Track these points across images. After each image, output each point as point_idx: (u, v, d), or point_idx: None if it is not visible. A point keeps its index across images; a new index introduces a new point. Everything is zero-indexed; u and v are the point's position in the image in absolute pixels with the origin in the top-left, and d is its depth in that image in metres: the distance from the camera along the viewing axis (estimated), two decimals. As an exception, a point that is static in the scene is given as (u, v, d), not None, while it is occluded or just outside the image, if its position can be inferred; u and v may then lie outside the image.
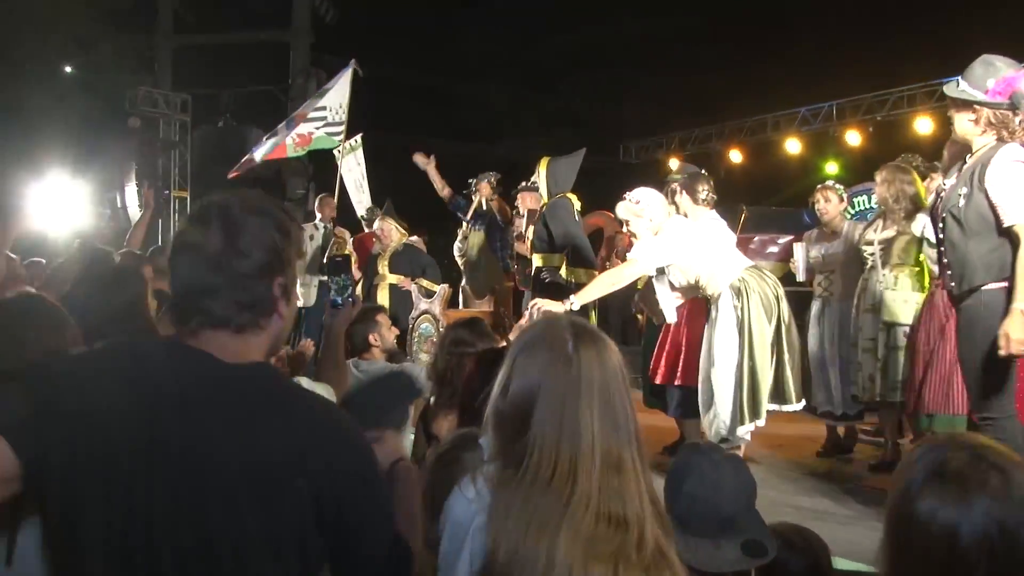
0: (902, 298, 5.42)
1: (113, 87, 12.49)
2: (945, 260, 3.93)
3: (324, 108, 9.46)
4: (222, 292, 1.58)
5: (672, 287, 5.36)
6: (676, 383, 5.62)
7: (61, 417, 1.47)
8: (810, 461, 6.14)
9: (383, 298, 8.35)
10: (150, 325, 3.25)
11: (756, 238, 11.95)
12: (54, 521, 1.49)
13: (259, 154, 9.48)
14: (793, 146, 13.07)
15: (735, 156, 13.89)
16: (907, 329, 5.38)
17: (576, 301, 4.87)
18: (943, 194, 3.92)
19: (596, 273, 6.45)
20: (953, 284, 3.89)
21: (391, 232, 8.49)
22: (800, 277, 6.23)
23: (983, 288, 3.70)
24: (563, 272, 6.38)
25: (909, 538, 1.57)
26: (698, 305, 5.53)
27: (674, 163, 14.71)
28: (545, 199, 6.54)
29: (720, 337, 4.96)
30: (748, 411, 4.90)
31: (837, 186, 6.15)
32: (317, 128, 9.36)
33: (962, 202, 3.74)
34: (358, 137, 10.75)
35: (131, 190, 11.88)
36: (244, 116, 16.05)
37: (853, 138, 12.32)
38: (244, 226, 1.60)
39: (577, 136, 17.99)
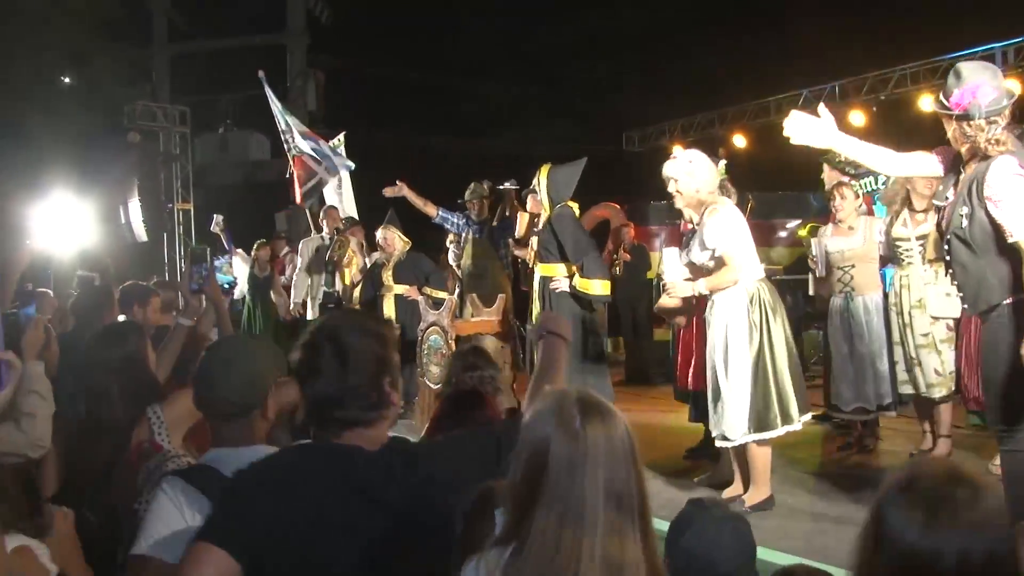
0: (943, 291, 5.43)
1: (111, 102, 12.45)
2: (957, 282, 3.88)
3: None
4: (346, 402, 2.01)
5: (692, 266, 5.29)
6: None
7: (264, 518, 1.90)
8: (826, 460, 6.11)
9: (389, 308, 8.33)
10: (151, 378, 3.24)
11: (763, 223, 11.94)
12: None
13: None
14: (796, 129, 12.95)
15: (739, 141, 13.73)
16: (951, 322, 5.52)
17: (703, 286, 4.89)
18: (944, 211, 3.86)
19: (608, 283, 6.36)
20: (967, 305, 3.84)
21: (394, 241, 8.47)
22: (820, 273, 6.21)
23: (1005, 303, 3.64)
24: (576, 283, 6.30)
25: (877, 551, 1.58)
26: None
27: (678, 150, 14.65)
28: (548, 208, 6.43)
29: (733, 338, 4.85)
30: (780, 416, 4.81)
31: (852, 183, 6.14)
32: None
33: (965, 222, 3.68)
34: (340, 136, 10.72)
35: (134, 205, 11.86)
36: (244, 121, 16.09)
37: (857, 118, 12.15)
38: (350, 347, 2.02)
39: (578, 127, 17.94)
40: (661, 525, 4.15)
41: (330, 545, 1.88)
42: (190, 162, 13.40)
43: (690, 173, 4.88)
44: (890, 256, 5.83)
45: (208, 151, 15.40)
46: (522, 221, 7.56)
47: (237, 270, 10.98)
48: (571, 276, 6.44)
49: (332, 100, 17.24)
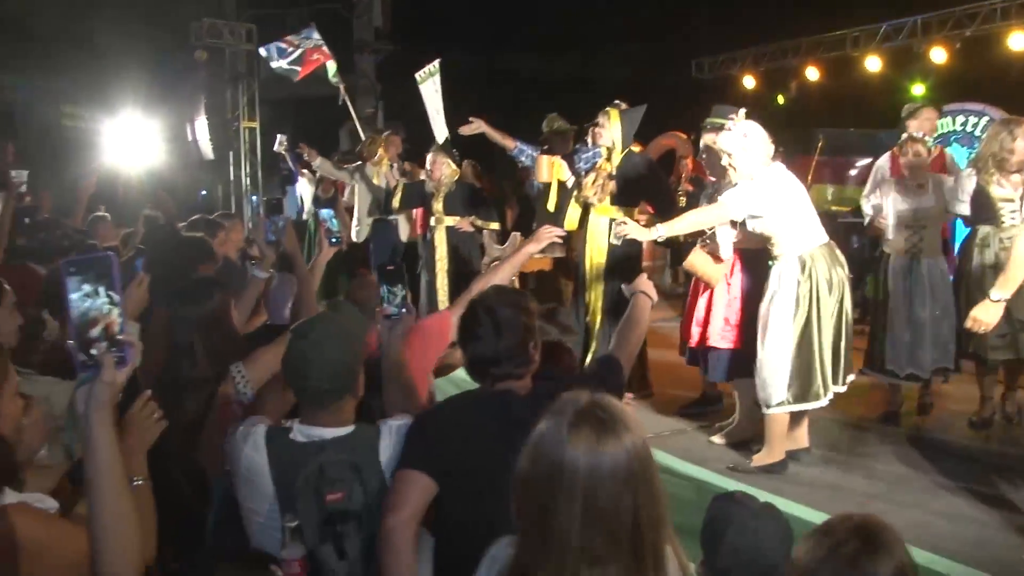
0: None
1: (179, 18, 12.44)
2: None
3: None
4: (501, 362, 2.58)
5: (741, 233, 5.25)
6: (727, 346, 5.53)
7: (451, 445, 2.44)
8: (877, 428, 5.95)
9: (440, 239, 8.24)
10: (234, 335, 3.27)
11: (833, 161, 11.62)
12: (454, 500, 2.44)
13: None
14: (873, 64, 12.44)
15: (812, 74, 13.29)
16: None
17: (664, 231, 4.92)
18: None
19: None
20: None
21: (442, 167, 8.23)
22: (891, 235, 5.91)
23: None
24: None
25: None
26: (747, 264, 5.47)
27: (749, 81, 14.28)
28: (619, 152, 6.36)
29: (777, 307, 4.84)
30: (819, 389, 4.81)
31: (926, 138, 5.90)
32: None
33: None
34: (436, 63, 10.58)
35: (201, 124, 11.96)
36: (310, 36, 16.02)
37: (939, 55, 11.68)
38: (503, 318, 2.56)
39: (649, 51, 17.51)
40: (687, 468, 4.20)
41: (498, 469, 2.04)
42: (256, 80, 13.39)
43: (746, 148, 4.76)
44: (985, 217, 5.53)
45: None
46: (541, 165, 7.38)
47: (302, 190, 11.04)
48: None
49: (398, 16, 17.04)
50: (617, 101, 6.59)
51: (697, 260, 5.52)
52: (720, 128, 5.44)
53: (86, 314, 1.78)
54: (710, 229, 5.45)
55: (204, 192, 17.13)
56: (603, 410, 1.69)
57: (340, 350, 2.46)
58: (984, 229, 5.59)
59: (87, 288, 1.78)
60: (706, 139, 5.75)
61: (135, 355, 1.84)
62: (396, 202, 8.58)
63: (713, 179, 5.80)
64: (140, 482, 2.12)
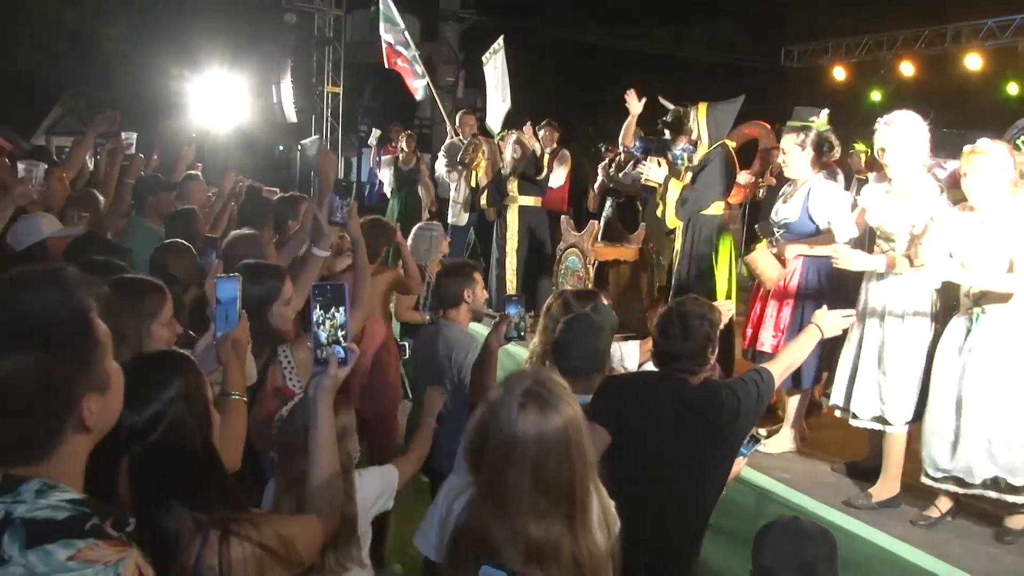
0: None
1: (270, -23, 12.55)
2: None
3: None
4: (683, 359, 3.00)
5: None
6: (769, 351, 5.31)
7: (629, 408, 2.95)
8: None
9: (512, 219, 8.29)
10: (268, 327, 3.21)
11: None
12: (626, 461, 2.81)
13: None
14: (973, 62, 12.05)
15: (906, 69, 12.93)
16: None
17: (884, 265, 4.34)
18: None
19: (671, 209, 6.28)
20: None
21: (517, 149, 8.26)
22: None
23: None
24: (672, 184, 6.31)
25: None
26: (809, 272, 5.14)
27: (839, 72, 13.92)
28: (706, 146, 6.24)
29: (916, 326, 4.39)
30: None
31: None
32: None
33: None
34: (500, 40, 10.54)
35: (286, 86, 12.08)
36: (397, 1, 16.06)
37: (1046, 56, 11.28)
38: (691, 325, 2.97)
39: (737, 32, 17.17)
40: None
41: (665, 438, 2.67)
42: (342, 45, 13.47)
43: (914, 144, 4.33)
44: None
45: (359, 30, 15.49)
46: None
47: (383, 175, 11.27)
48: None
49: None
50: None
51: (760, 258, 5.28)
52: (800, 130, 5.21)
53: (322, 325, 2.26)
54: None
55: (281, 147, 17.32)
56: (545, 388, 1.97)
57: (591, 342, 3.22)
58: None
59: (326, 306, 2.27)
60: (785, 141, 5.47)
61: (354, 359, 2.28)
62: (484, 200, 8.69)
63: (790, 178, 5.51)
64: (237, 397, 2.55)
